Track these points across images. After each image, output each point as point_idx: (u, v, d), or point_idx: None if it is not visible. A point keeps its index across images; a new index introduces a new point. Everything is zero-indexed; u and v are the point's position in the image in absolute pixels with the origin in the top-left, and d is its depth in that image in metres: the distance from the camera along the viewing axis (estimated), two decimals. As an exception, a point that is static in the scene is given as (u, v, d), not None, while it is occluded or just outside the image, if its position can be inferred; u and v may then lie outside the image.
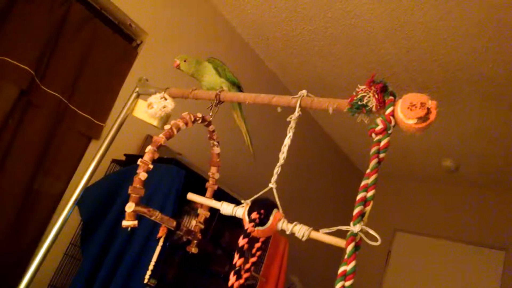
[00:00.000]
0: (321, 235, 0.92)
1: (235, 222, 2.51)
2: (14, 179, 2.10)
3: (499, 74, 2.73)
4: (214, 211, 2.02)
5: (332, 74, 3.40)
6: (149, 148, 1.03)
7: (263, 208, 0.96)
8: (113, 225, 2.01)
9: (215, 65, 1.41)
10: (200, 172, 2.27)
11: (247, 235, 0.90)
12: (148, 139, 2.61)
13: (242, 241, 0.90)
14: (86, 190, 1.54)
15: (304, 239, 0.93)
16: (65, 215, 1.43)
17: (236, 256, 0.88)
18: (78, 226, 2.30)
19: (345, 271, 0.87)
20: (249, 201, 0.99)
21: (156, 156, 1.04)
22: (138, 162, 1.02)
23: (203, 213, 1.25)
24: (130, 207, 0.98)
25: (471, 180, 4.30)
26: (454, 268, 4.21)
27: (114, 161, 2.42)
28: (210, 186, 1.29)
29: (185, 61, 1.38)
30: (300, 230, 0.92)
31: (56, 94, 2.19)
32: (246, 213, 0.96)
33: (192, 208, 2.25)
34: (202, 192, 1.20)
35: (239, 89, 1.47)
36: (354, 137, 4.34)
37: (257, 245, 1.08)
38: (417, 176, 4.74)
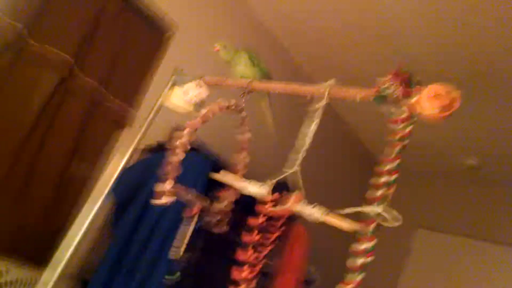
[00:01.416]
0: (337, 220, 0.98)
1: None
2: (51, 163, 2.21)
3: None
4: (236, 200, 2.08)
5: (358, 66, 3.41)
6: (187, 130, 1.11)
7: (285, 189, 1.03)
8: (142, 208, 2.10)
9: (250, 56, 1.48)
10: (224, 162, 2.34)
11: (262, 214, 0.97)
12: (175, 129, 2.70)
13: (261, 219, 0.97)
14: (120, 174, 1.63)
15: (321, 220, 1.00)
16: (101, 200, 1.51)
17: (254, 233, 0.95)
18: (108, 210, 2.41)
19: (365, 249, 0.94)
20: (274, 181, 1.06)
21: (193, 138, 1.12)
22: (177, 143, 1.10)
23: (233, 194, 1.33)
24: (169, 184, 1.07)
25: (494, 178, 4.25)
26: (473, 266, 4.17)
27: (145, 148, 2.52)
28: (240, 170, 1.36)
29: (225, 47, 1.47)
30: (318, 212, 0.98)
31: (94, 83, 2.29)
32: (270, 192, 1.03)
33: (215, 196, 2.33)
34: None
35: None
36: (372, 128, 4.29)
37: (277, 224, 1.15)
38: (438, 172, 4.71)
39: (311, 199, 1.04)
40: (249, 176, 2.46)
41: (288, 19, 3.20)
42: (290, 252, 2.84)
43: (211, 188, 2.26)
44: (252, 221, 0.99)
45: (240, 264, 0.98)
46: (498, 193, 4.29)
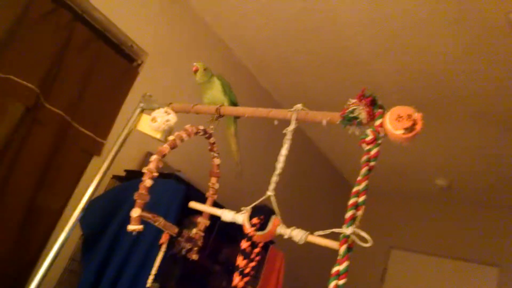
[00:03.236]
0: (318, 239, 0.98)
1: (233, 238, 2.56)
2: (17, 194, 2.15)
3: (489, 92, 2.81)
4: (212, 228, 2.06)
5: (324, 94, 3.50)
6: (154, 157, 1.10)
7: (262, 214, 1.02)
8: (114, 238, 2.05)
9: (223, 83, 1.49)
10: (198, 187, 2.33)
11: (249, 238, 0.96)
12: (148, 156, 2.67)
13: (245, 244, 0.96)
14: (88, 204, 1.58)
15: (301, 242, 0.99)
16: (68, 231, 1.45)
17: (240, 258, 0.94)
18: (77, 242, 2.34)
19: (338, 271, 0.93)
20: (249, 208, 1.05)
21: (161, 165, 1.11)
22: (144, 170, 1.08)
23: (203, 222, 1.31)
24: (136, 212, 1.04)
25: (464, 197, 4.37)
26: (448, 285, 4.24)
27: (114, 177, 2.48)
28: (210, 196, 1.35)
29: (205, 69, 1.46)
30: (298, 234, 0.98)
31: (60, 112, 2.26)
32: (246, 219, 1.03)
33: (191, 222, 2.30)
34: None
35: None
36: (344, 151, 4.38)
37: (256, 250, 1.14)
38: (411, 194, 4.80)
39: (287, 223, 1.04)
40: (229, 201, 2.46)
41: (254, 47, 3.26)
42: (266, 277, 2.81)
43: (188, 214, 2.25)
44: (243, 244, 0.97)
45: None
46: (469, 212, 4.40)
